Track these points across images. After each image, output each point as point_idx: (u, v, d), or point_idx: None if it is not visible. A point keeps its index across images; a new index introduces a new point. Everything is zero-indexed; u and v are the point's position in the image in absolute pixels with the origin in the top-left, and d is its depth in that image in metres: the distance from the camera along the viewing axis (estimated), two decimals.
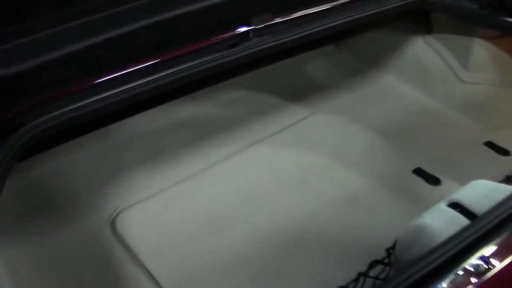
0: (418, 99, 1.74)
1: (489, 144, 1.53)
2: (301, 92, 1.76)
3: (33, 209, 1.32)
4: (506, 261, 0.78)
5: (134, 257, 1.19)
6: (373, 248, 1.15)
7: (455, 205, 0.88)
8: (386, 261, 1.11)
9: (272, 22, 1.35)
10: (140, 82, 1.10)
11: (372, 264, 1.10)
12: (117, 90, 1.07)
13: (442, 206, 0.88)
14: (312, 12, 1.41)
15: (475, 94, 1.70)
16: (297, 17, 1.40)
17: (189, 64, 1.15)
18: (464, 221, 0.84)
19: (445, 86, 1.74)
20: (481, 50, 1.71)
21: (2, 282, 0.95)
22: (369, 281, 1.09)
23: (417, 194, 1.36)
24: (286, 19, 1.38)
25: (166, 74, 1.12)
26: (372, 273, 1.10)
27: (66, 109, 1.04)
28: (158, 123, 1.58)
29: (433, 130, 1.62)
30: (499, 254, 0.78)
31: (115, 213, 1.31)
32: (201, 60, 1.18)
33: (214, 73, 1.20)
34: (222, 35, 1.27)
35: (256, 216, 1.30)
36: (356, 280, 1.10)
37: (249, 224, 1.27)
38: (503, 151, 1.51)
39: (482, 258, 0.78)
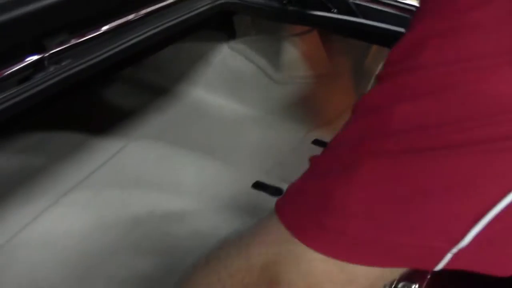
0: (234, 109, 1.68)
1: (318, 142, 1.54)
2: (107, 124, 1.55)
3: None
4: None
5: None
6: None
7: None
8: None
9: (69, 44, 1.20)
10: None
11: None
12: None
13: None
14: (110, 28, 1.26)
15: (292, 94, 1.69)
16: (95, 35, 1.23)
17: None
18: None
19: (260, 90, 1.71)
20: (290, 47, 1.70)
21: None
22: None
23: (262, 209, 1.24)
24: (83, 39, 1.22)
25: None
26: None
27: None
28: None
29: (259, 139, 1.56)
30: None
31: None
32: None
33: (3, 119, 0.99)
34: (7, 68, 1.06)
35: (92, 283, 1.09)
36: None
37: None
38: None
39: None
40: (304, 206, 0.46)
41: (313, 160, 0.49)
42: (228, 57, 1.73)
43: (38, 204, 1.24)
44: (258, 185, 1.34)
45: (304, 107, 1.65)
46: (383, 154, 0.42)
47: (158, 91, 1.76)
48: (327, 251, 0.44)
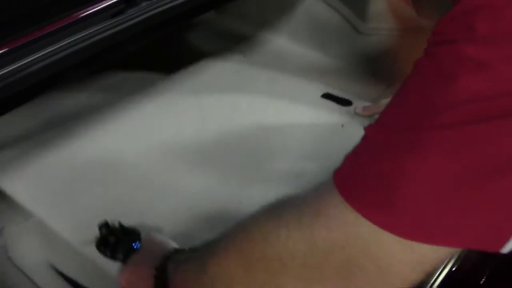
0: (317, 58, 1.66)
1: None
2: (187, 65, 1.57)
3: None
4: None
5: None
6: None
7: None
8: None
9: None
10: None
11: None
12: None
13: None
14: None
15: (376, 46, 1.65)
16: None
17: (60, 44, 0.95)
18: None
19: (344, 41, 1.67)
20: None
21: None
22: None
23: (331, 120, 1.31)
24: None
25: (30, 60, 0.88)
26: None
27: None
28: (27, 124, 1.30)
29: (337, 87, 1.51)
30: None
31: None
32: (81, 35, 1.01)
33: (97, 51, 1.04)
34: (102, 2, 1.08)
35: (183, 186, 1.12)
36: None
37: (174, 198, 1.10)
38: None
39: None
40: (371, 186, 0.46)
41: (369, 131, 0.48)
42: (313, 6, 1.70)
43: (110, 128, 1.31)
44: (328, 96, 1.40)
45: (388, 60, 1.60)
46: (449, 128, 0.41)
47: (240, 38, 1.76)
48: (398, 231, 0.44)
